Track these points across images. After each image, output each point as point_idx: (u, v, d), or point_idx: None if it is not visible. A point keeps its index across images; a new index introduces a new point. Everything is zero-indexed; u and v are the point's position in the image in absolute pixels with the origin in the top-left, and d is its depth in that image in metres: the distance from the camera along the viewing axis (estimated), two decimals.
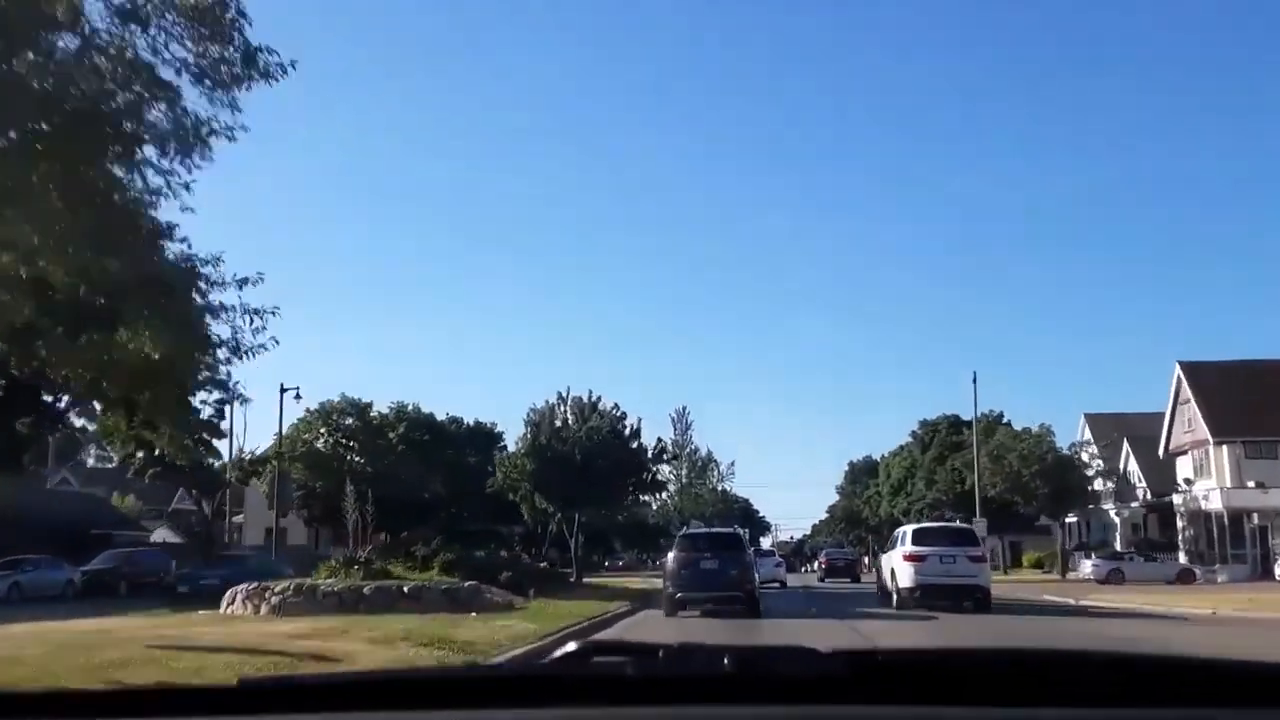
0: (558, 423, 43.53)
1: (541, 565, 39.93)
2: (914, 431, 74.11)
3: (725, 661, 1.42)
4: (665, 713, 1.32)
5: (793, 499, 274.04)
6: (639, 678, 1.48)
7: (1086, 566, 45.99)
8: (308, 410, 53.42)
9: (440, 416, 61.40)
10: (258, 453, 50.32)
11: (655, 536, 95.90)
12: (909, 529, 25.60)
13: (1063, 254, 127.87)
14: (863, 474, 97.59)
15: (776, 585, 38.49)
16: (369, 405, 58.07)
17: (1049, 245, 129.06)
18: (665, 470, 48.09)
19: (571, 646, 1.61)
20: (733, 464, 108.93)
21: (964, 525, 31.92)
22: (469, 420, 63.53)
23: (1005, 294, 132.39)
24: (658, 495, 45.12)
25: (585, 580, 39.75)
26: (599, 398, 44.59)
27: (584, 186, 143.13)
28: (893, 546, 25.34)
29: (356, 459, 53.80)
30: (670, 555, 22.56)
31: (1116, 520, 59.04)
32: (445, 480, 54.02)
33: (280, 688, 1.62)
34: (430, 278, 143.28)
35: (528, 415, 44.23)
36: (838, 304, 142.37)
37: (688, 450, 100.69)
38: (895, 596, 23.29)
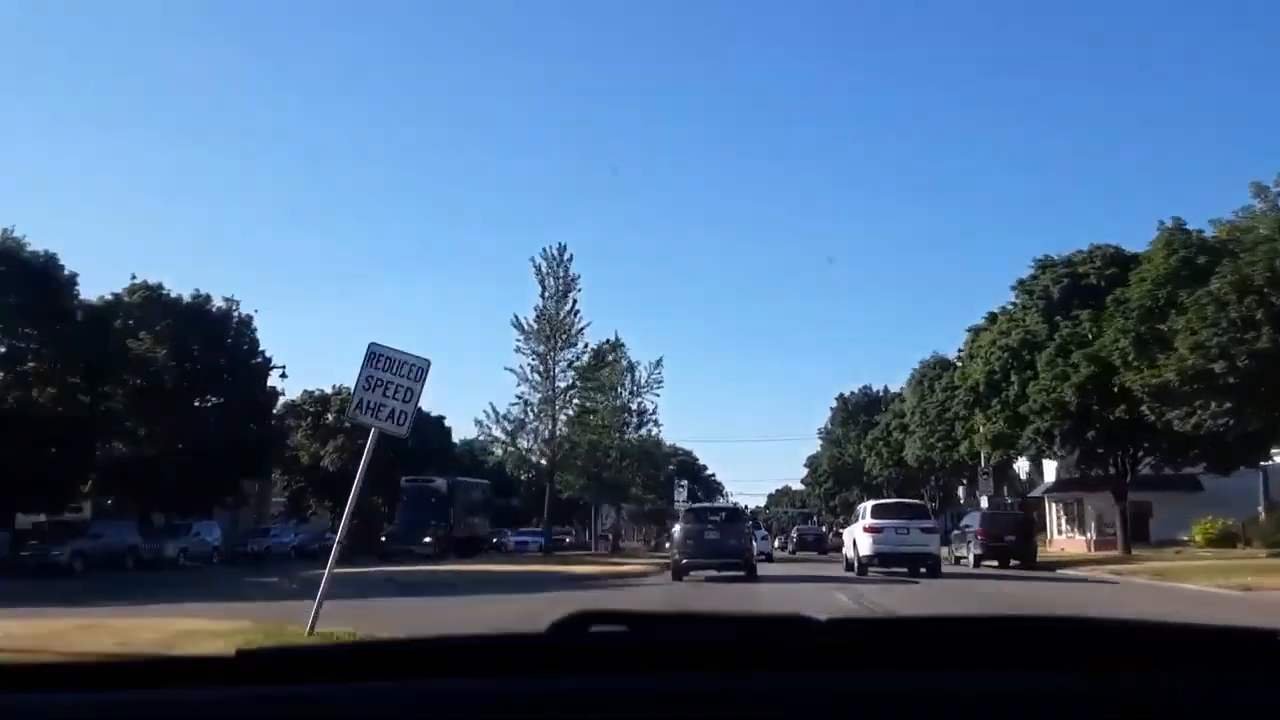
0: None
1: None
2: (1018, 294, 41.05)
3: (722, 630, 1.44)
4: (662, 681, 1.34)
5: (747, 456, 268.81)
6: (636, 646, 1.50)
7: None
8: None
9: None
10: None
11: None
12: (868, 505, 27.95)
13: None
14: (860, 411, 76.90)
15: (762, 557, 39.00)
16: None
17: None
18: None
19: (566, 615, 1.63)
20: (659, 364, 49.41)
21: (917, 501, 34.96)
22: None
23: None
24: None
25: None
26: None
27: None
28: (854, 521, 28.21)
29: None
30: (677, 527, 25.07)
31: None
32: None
33: (279, 657, 1.62)
34: None
35: None
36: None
37: (568, 319, 43.78)
38: (857, 565, 25.44)
